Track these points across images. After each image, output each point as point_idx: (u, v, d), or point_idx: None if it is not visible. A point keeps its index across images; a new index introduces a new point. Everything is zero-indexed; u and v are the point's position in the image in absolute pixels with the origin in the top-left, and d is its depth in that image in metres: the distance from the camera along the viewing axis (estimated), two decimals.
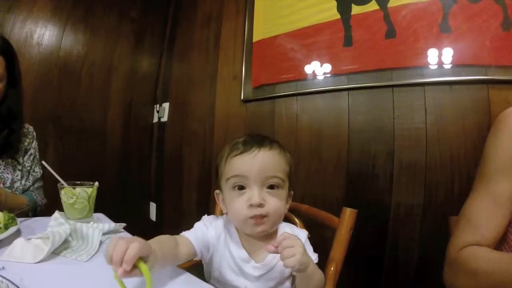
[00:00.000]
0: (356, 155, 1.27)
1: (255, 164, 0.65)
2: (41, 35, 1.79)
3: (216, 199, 0.77)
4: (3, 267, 0.56)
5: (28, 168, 1.21)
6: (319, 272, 0.66)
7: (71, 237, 0.73)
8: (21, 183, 1.18)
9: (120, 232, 0.87)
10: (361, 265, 1.20)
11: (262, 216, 0.65)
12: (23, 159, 1.19)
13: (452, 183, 1.07)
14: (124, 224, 0.89)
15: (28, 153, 1.21)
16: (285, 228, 0.75)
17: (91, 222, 0.84)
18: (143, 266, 0.47)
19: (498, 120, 0.74)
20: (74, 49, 1.94)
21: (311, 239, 0.81)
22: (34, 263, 0.60)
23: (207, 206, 1.84)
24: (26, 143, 1.21)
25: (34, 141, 1.25)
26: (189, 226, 0.73)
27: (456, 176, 1.06)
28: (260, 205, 0.64)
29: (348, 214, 0.81)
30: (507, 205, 0.67)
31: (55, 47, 1.85)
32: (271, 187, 0.67)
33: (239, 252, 0.70)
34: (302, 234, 0.74)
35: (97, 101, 2.07)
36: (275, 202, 0.66)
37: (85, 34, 2.00)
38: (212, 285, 0.63)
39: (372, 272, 1.20)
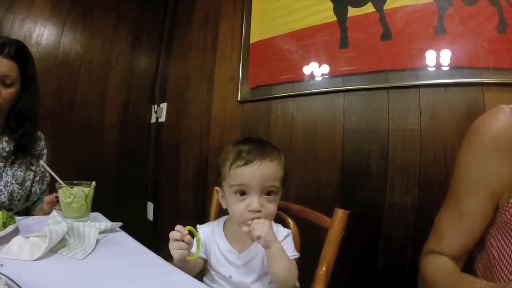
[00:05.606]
0: (350, 155, 1.27)
1: (257, 176, 0.74)
2: (40, 34, 1.80)
3: (216, 195, 0.89)
4: (1, 264, 0.57)
5: (42, 173, 1.23)
6: (290, 260, 0.75)
7: (68, 235, 0.74)
8: (38, 187, 1.21)
9: (117, 231, 0.88)
10: (355, 264, 1.21)
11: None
12: (37, 162, 1.21)
13: (445, 183, 1.07)
14: (120, 223, 0.90)
15: (42, 159, 1.22)
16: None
17: (88, 221, 0.85)
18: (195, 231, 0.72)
19: (471, 131, 0.70)
20: (73, 48, 1.96)
21: (304, 239, 0.82)
22: (32, 261, 0.61)
23: (203, 206, 1.85)
24: (39, 148, 1.23)
25: (45, 147, 1.27)
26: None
27: (449, 176, 1.07)
28: (259, 211, 0.74)
29: (340, 215, 0.81)
30: (472, 220, 0.67)
31: (54, 46, 1.87)
32: (269, 193, 0.77)
33: (225, 245, 0.84)
34: (284, 231, 0.84)
35: (95, 100, 2.09)
36: (271, 207, 0.77)
37: (83, 33, 2.01)
38: (209, 273, 0.85)
39: (365, 272, 1.21)
